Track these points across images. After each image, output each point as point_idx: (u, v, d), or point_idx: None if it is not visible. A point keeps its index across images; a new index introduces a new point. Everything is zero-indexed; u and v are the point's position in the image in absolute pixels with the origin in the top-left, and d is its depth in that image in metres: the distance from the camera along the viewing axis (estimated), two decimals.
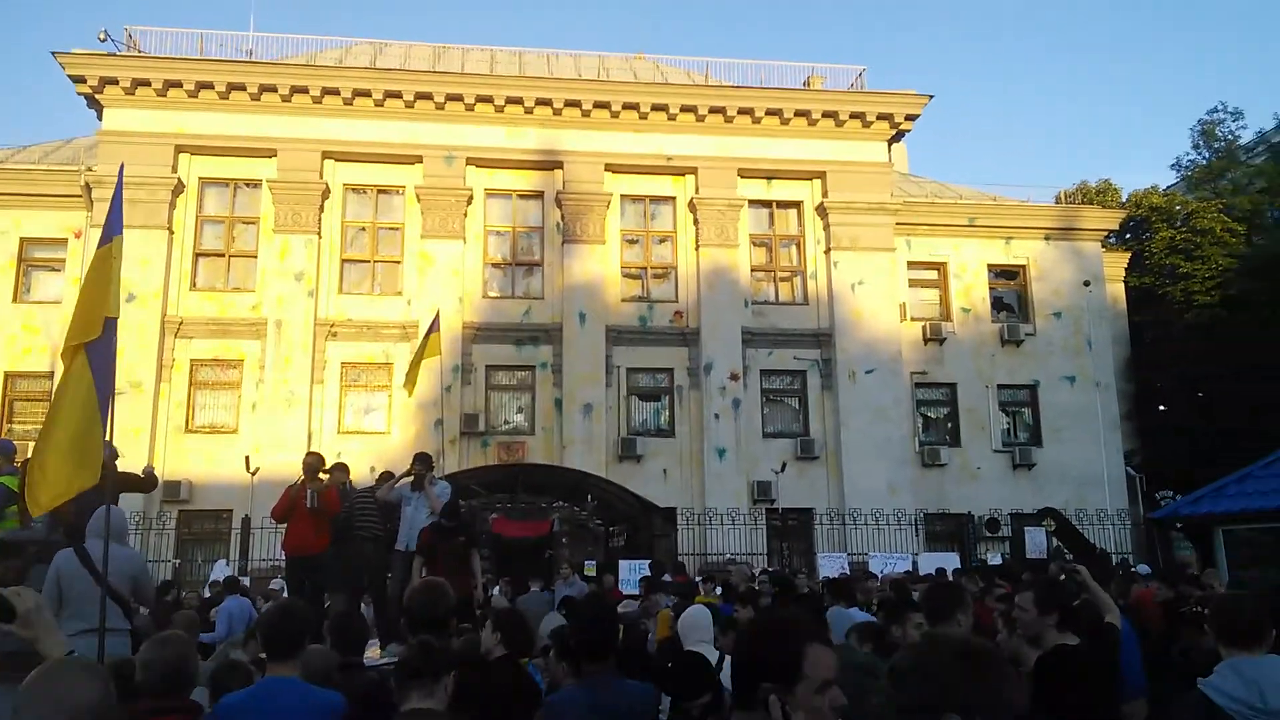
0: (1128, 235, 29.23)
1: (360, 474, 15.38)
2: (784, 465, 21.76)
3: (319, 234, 21.78)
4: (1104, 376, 23.75)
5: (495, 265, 23.00)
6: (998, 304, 24.62)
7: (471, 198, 22.38)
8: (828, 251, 23.23)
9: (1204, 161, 29.36)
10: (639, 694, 3.95)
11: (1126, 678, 5.44)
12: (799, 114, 23.29)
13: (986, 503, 22.06)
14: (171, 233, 21.35)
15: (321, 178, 21.98)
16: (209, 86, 21.60)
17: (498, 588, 12.43)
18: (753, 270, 23.48)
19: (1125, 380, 25.69)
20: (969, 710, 1.78)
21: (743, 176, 23.26)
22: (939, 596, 4.37)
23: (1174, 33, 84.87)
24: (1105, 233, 26.02)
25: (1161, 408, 26.30)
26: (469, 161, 22.41)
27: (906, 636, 4.69)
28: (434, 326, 17.71)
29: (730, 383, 22.14)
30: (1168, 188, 30.79)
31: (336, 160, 22.26)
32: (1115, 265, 26.69)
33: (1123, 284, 27.01)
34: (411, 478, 9.51)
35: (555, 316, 22.18)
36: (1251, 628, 3.62)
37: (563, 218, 22.58)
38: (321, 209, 21.94)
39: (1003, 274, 24.73)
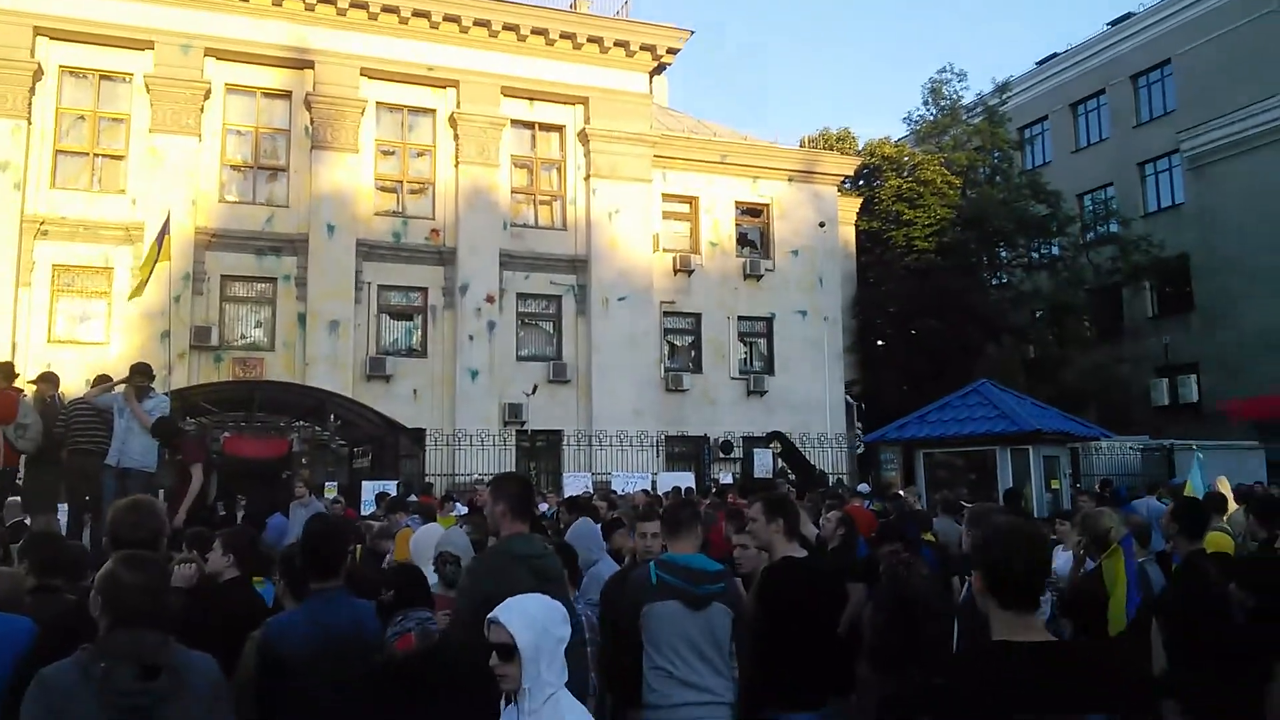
0: (861, 182, 31.36)
1: (76, 387, 14.18)
2: (535, 388, 22.07)
3: (29, 120, 19.42)
4: (832, 312, 25.64)
5: (235, 167, 21.47)
6: (742, 240, 25.87)
7: (210, 92, 20.67)
8: (587, 178, 23.44)
9: (931, 118, 31.82)
10: (367, 613, 3.95)
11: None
12: (564, 36, 23.13)
13: (722, 426, 23.42)
14: None
15: (33, 56, 19.51)
16: None
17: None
18: (513, 192, 23.32)
19: (850, 316, 27.82)
20: None
21: (506, 95, 22.90)
22: (677, 513, 4.68)
23: None
24: (842, 178, 27.81)
25: (880, 343, 28.76)
26: (208, 52, 20.63)
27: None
28: (164, 230, 16.42)
29: (486, 304, 22.05)
30: (899, 139, 33.19)
31: (51, 39, 19.80)
32: (849, 209, 28.63)
33: (854, 227, 29.04)
34: (125, 387, 8.87)
35: (301, 226, 21.09)
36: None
37: (312, 121, 21.36)
38: (32, 92, 19.53)
39: (748, 211, 25.95)
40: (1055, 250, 31.17)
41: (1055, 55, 35.40)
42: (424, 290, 22.22)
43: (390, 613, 3.69)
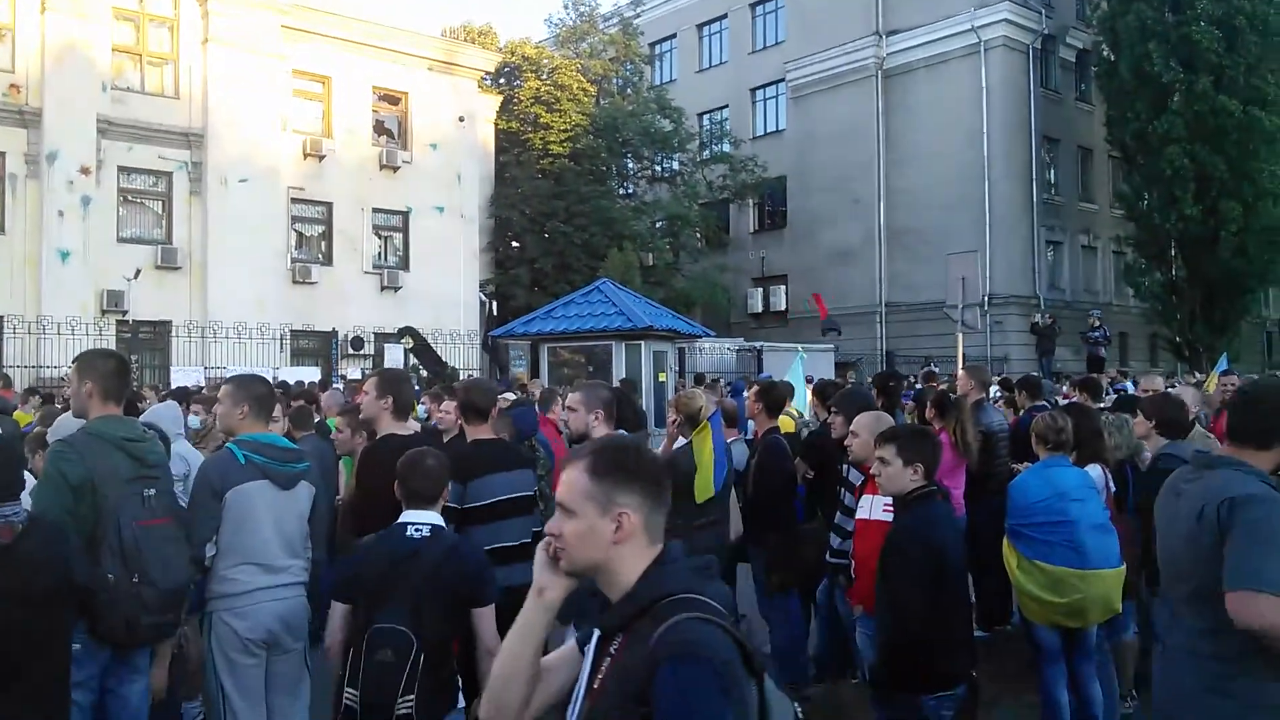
0: (502, 80, 31.39)
1: None
2: (138, 273, 20.16)
3: None
4: (469, 210, 25.73)
5: None
6: (379, 128, 24.99)
7: None
8: (205, 43, 21.35)
9: (571, 23, 32.45)
10: None
11: None
12: None
13: (353, 321, 22.87)
14: None
15: None
16: None
17: None
18: (115, 50, 20.66)
19: (486, 215, 28.09)
20: None
21: None
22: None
23: None
24: (483, 74, 27.66)
25: (515, 243, 29.38)
26: None
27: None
28: None
29: (80, 177, 19.60)
30: (540, 41, 33.51)
31: None
32: (489, 107, 28.62)
33: (493, 125, 29.11)
34: None
35: None
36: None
37: None
38: None
39: (386, 98, 25.06)
40: (676, 165, 33.40)
41: None
42: (1, 156, 19.26)
43: None
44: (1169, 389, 9.05)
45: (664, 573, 1.89)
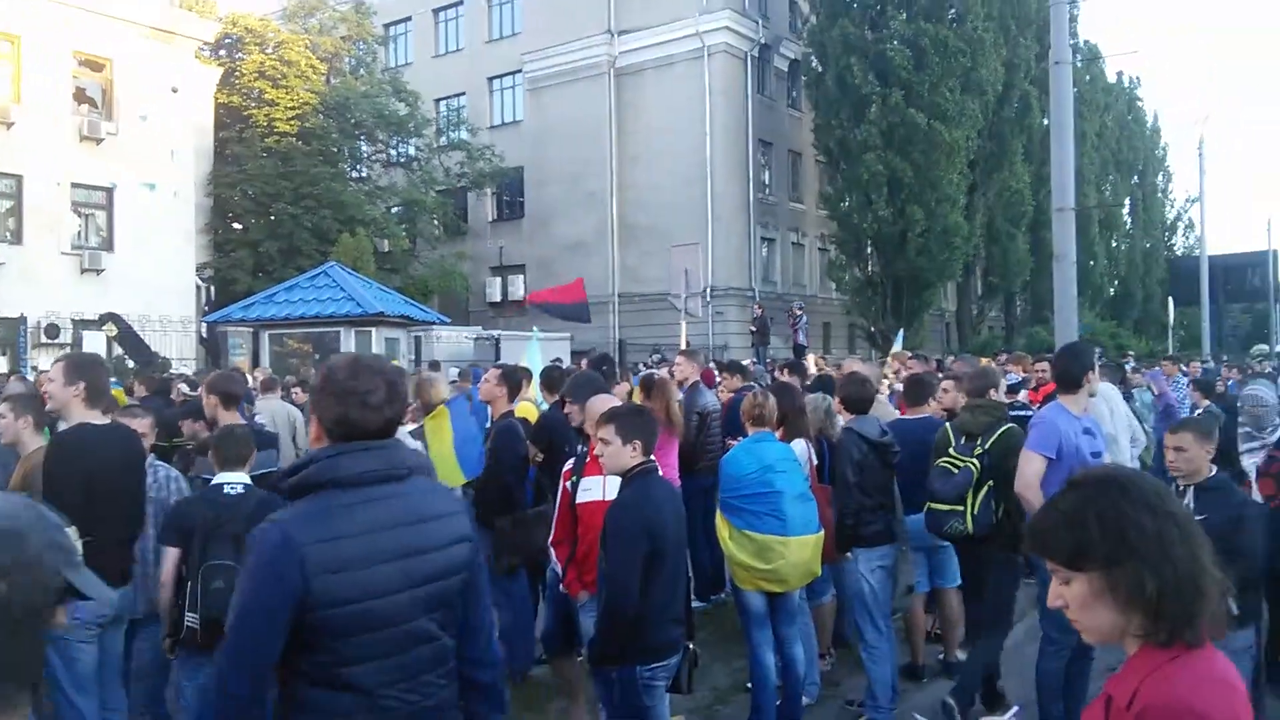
0: (222, 52, 29.52)
1: None
2: None
3: None
4: (184, 188, 24.03)
5: None
6: (80, 96, 22.80)
7: None
8: None
9: None
10: None
11: None
12: None
13: (47, 306, 20.74)
14: None
15: None
16: None
17: None
18: None
19: (204, 194, 26.38)
20: None
21: None
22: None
23: None
24: (201, 43, 25.88)
25: (237, 225, 27.81)
26: None
27: None
28: None
29: None
30: (265, 14, 31.77)
31: None
32: (208, 79, 26.85)
33: (212, 99, 27.33)
34: None
35: None
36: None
37: None
38: None
39: (88, 64, 22.88)
40: (412, 150, 32.85)
41: None
42: None
43: None
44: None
45: None
